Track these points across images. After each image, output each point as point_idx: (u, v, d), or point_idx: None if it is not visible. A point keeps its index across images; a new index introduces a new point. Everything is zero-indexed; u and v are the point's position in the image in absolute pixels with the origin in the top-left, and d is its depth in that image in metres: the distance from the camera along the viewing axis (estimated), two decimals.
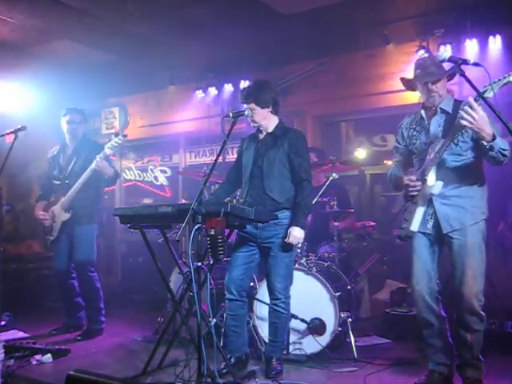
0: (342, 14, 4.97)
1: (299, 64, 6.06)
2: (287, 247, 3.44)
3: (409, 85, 3.22)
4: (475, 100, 2.69)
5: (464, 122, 2.70)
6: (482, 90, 2.67)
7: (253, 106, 3.50)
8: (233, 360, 3.48)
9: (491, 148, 2.74)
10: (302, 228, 3.42)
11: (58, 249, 4.74)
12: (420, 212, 3.06)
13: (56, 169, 4.81)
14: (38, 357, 3.79)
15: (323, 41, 5.52)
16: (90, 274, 4.66)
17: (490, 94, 2.68)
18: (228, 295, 3.55)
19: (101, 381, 2.26)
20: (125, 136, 4.33)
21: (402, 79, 3.26)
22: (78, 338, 4.53)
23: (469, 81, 2.66)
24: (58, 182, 4.76)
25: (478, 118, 2.65)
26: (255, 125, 3.60)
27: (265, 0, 4.73)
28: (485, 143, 2.74)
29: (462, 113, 2.70)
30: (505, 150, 2.79)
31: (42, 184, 5.03)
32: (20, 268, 6.19)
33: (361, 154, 6.65)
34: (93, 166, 4.42)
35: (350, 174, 6.24)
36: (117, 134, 4.34)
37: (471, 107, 2.66)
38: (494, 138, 2.72)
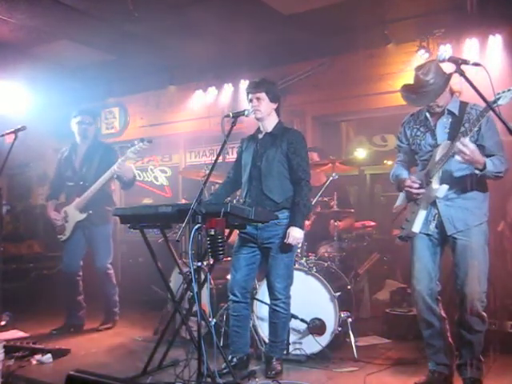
0: (342, 14, 4.96)
1: (299, 64, 6.05)
2: (287, 247, 3.44)
3: (411, 104, 3.22)
4: (483, 114, 2.76)
5: (457, 157, 2.82)
6: (494, 98, 2.68)
7: (263, 95, 3.49)
8: (235, 360, 3.49)
9: (484, 175, 2.89)
10: (300, 228, 3.41)
11: (70, 248, 4.87)
12: (423, 213, 3.07)
13: (69, 170, 4.91)
14: (37, 357, 3.80)
15: (323, 41, 5.51)
16: (108, 271, 4.90)
17: (503, 102, 2.68)
18: (232, 297, 3.55)
19: (101, 381, 2.26)
20: (150, 141, 4.41)
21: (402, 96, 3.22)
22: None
23: (469, 81, 2.65)
24: (71, 183, 4.87)
25: (469, 152, 2.76)
26: (258, 115, 3.53)
27: (265, 0, 4.73)
28: (477, 172, 2.86)
29: (455, 149, 2.81)
30: (499, 172, 2.89)
31: (52, 183, 5.13)
32: (20, 268, 6.20)
33: (361, 153, 6.66)
34: (115, 168, 4.55)
35: (350, 174, 6.24)
36: (142, 140, 4.41)
37: (463, 144, 2.76)
38: (484, 167, 2.82)
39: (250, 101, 3.54)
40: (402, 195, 3.29)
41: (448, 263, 3.16)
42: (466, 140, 2.76)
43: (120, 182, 4.84)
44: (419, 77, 3.00)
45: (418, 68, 3.06)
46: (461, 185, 3.02)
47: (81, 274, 4.90)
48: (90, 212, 4.72)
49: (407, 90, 3.11)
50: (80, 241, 4.86)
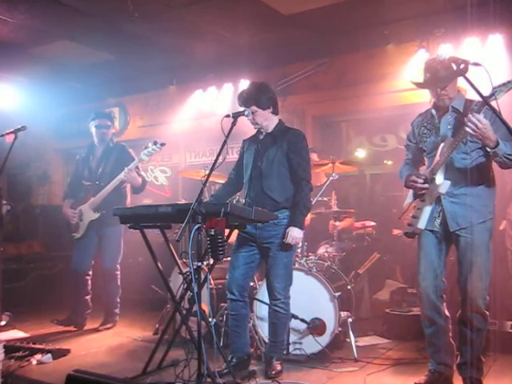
0: (342, 14, 4.96)
1: (299, 64, 6.05)
2: (286, 247, 3.44)
3: (420, 86, 3.22)
4: (480, 108, 2.72)
5: (468, 129, 2.75)
6: (491, 92, 2.67)
7: (254, 108, 3.49)
8: (235, 360, 3.48)
9: (495, 154, 2.80)
10: (300, 228, 3.41)
11: (82, 247, 4.93)
12: (428, 210, 3.07)
13: (86, 170, 5.01)
14: (38, 357, 3.79)
15: (323, 41, 5.52)
16: (115, 272, 4.95)
17: (498, 96, 2.68)
18: (229, 295, 3.55)
19: (101, 381, 2.27)
20: (163, 144, 4.42)
21: (413, 82, 3.24)
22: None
23: (469, 81, 2.66)
24: (88, 183, 4.96)
25: (481, 126, 2.69)
26: (257, 126, 3.60)
27: (265, 0, 4.73)
28: (489, 150, 2.80)
29: (466, 120, 2.74)
30: (510, 154, 2.82)
31: (69, 183, 5.28)
32: (20, 268, 6.20)
33: (361, 153, 6.65)
34: (121, 176, 4.62)
35: (350, 174, 6.24)
36: (155, 143, 4.44)
37: (476, 117, 2.70)
38: (497, 145, 2.76)
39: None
40: (411, 192, 3.29)
41: (449, 261, 3.16)
42: (479, 115, 2.72)
43: (131, 186, 4.97)
44: (434, 62, 2.99)
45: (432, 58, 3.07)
46: (465, 181, 3.00)
47: (90, 273, 4.96)
48: (104, 212, 4.74)
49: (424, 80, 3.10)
50: (92, 240, 4.91)
